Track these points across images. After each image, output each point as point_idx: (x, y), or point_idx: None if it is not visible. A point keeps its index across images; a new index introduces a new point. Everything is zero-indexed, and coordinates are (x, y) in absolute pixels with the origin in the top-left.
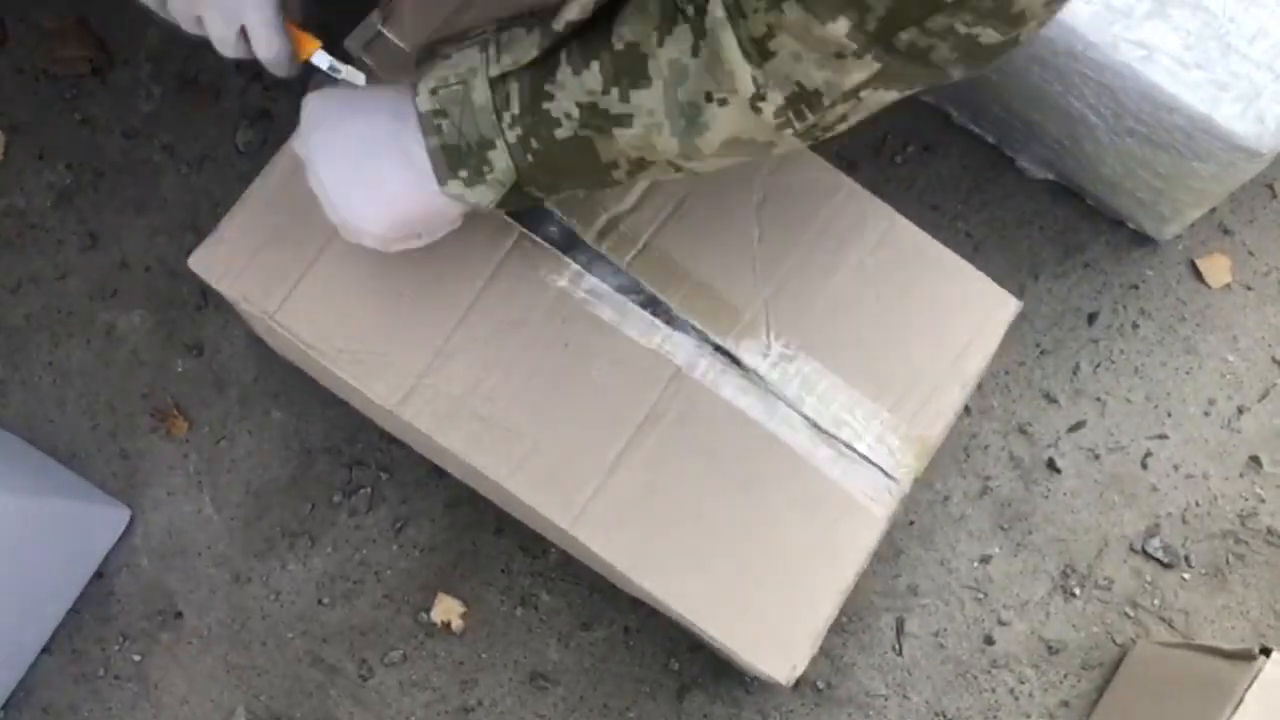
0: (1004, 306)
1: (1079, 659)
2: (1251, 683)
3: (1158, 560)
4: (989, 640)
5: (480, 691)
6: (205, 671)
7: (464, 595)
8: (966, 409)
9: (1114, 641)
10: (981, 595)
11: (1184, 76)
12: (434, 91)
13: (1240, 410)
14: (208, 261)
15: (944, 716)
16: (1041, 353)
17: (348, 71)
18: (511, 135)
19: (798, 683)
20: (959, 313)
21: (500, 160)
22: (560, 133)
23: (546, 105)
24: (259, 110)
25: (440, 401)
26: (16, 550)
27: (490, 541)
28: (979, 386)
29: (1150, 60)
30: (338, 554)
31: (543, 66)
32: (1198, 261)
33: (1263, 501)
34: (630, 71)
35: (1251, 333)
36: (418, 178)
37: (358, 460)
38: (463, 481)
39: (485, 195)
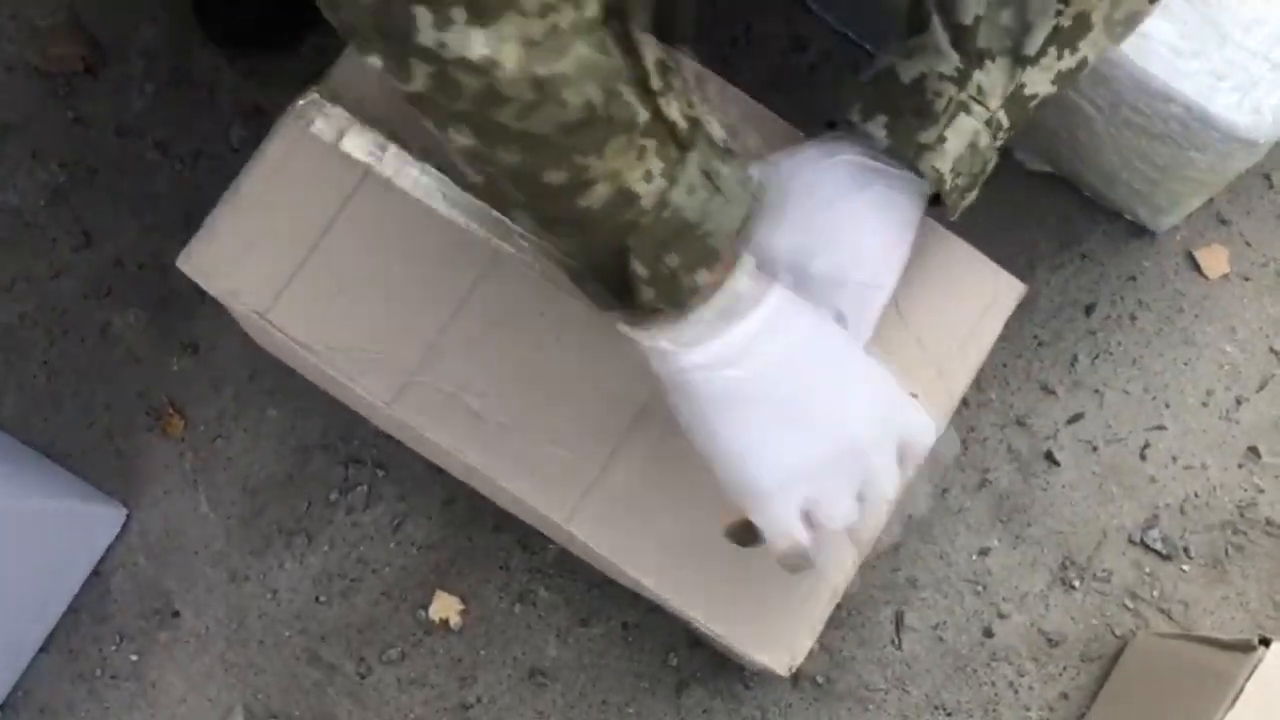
0: (1010, 290)
1: (1078, 651)
2: (1251, 673)
3: (1157, 552)
4: (988, 633)
5: (479, 688)
6: (203, 670)
7: (462, 592)
8: (965, 401)
9: (1113, 633)
10: (980, 588)
11: (1180, 66)
12: (956, 173)
13: (1239, 401)
14: (196, 261)
15: (944, 710)
16: (1039, 345)
17: None
18: (996, 142)
19: (796, 677)
20: (964, 296)
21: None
22: (1033, 104)
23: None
24: (253, 107)
25: (433, 398)
26: (12, 550)
27: (488, 538)
28: (976, 379)
29: (1146, 50)
30: (335, 552)
31: (1014, 81)
32: (1195, 252)
33: (1261, 492)
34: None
35: (1249, 323)
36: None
37: (354, 458)
38: (460, 478)
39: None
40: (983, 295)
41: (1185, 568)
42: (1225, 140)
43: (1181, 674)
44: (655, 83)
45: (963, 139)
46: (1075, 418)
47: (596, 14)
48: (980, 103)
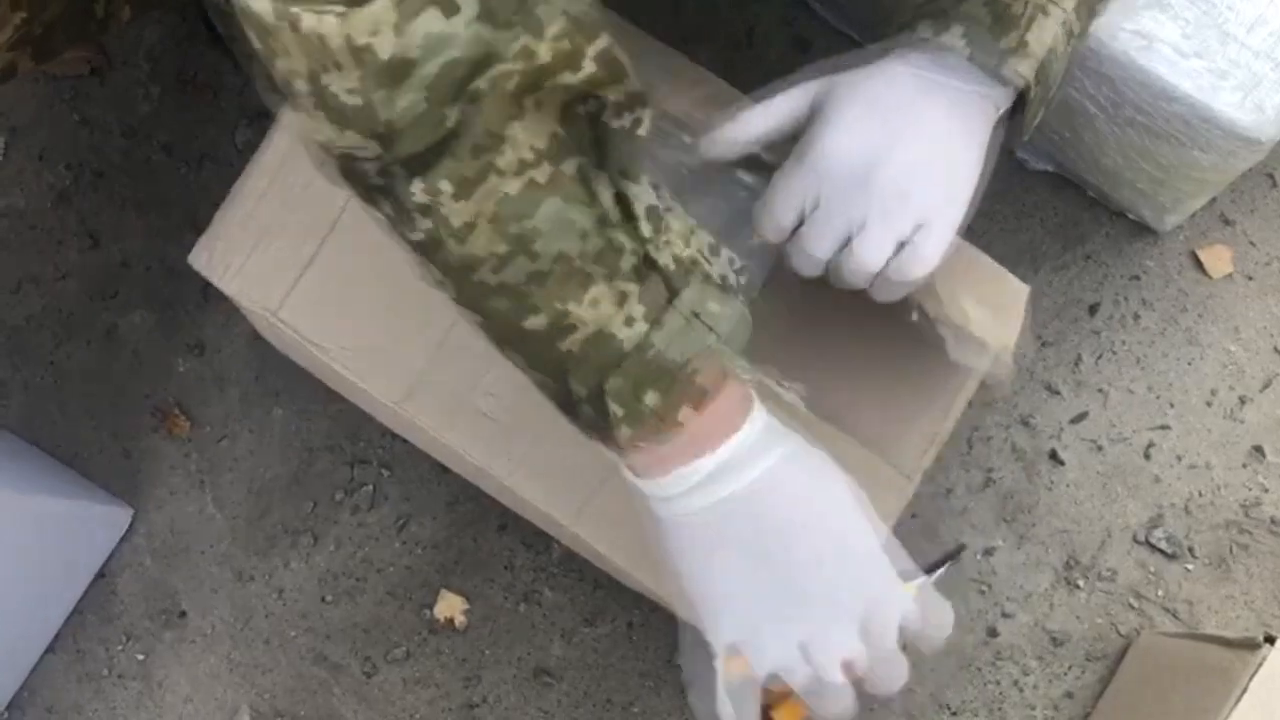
0: (1017, 295)
1: (1083, 650)
2: (1256, 672)
3: (1161, 551)
4: (993, 632)
5: (483, 688)
6: (209, 670)
7: (467, 592)
8: (969, 402)
9: (1118, 632)
10: (985, 588)
11: (1183, 65)
12: (1037, 80)
13: (1243, 400)
14: (207, 258)
15: (948, 709)
16: (1043, 344)
17: None
18: (1068, 48)
19: None
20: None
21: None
22: (1100, 6)
23: None
24: (258, 109)
25: (442, 398)
26: (19, 551)
27: (493, 538)
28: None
29: (1149, 49)
30: (340, 552)
31: None
32: (1199, 252)
33: (1266, 491)
34: None
35: (1253, 323)
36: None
37: (360, 458)
38: (465, 478)
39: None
40: (993, 300)
41: (1190, 567)
42: (1228, 139)
43: (1186, 673)
44: (644, 229)
45: (1043, 42)
46: (1079, 417)
47: (574, 172)
48: (1056, 3)
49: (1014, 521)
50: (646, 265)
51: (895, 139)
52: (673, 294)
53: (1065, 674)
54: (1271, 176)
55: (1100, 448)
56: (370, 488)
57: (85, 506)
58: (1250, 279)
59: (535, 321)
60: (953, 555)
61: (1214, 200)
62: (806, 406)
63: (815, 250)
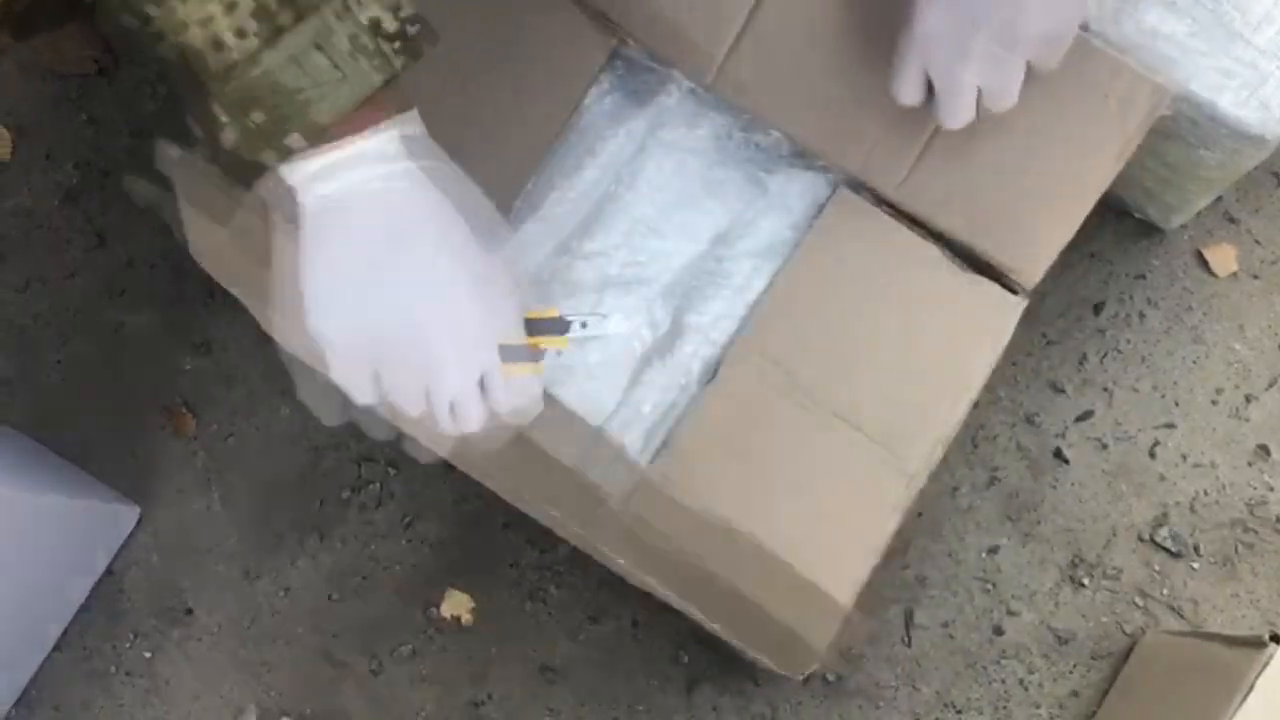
0: (1009, 309)
1: (1088, 649)
2: (1262, 670)
3: (1166, 549)
4: (998, 631)
5: (490, 685)
6: (216, 668)
7: (473, 589)
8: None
9: (1123, 631)
10: (990, 586)
11: (1189, 64)
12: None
13: (1248, 399)
14: (211, 254)
15: (954, 707)
16: (1048, 343)
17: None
18: None
19: (807, 675)
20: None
21: None
22: None
23: None
24: None
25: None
26: (27, 548)
27: (498, 536)
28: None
29: (1155, 48)
30: (347, 549)
31: None
32: (1204, 251)
33: (1271, 490)
34: None
35: (1258, 321)
36: None
37: (366, 456)
38: (470, 476)
39: None
40: (983, 315)
41: (1195, 565)
42: (1234, 138)
43: (1191, 671)
44: None
45: None
46: (1084, 416)
47: None
48: None
49: (1019, 520)
50: None
51: None
52: (298, 18)
53: (1070, 672)
54: (1277, 175)
55: (1105, 446)
56: (377, 486)
57: (92, 505)
58: (1256, 278)
59: (149, 8)
60: (557, 329)
61: (1219, 199)
62: (817, 400)
63: (954, 115)
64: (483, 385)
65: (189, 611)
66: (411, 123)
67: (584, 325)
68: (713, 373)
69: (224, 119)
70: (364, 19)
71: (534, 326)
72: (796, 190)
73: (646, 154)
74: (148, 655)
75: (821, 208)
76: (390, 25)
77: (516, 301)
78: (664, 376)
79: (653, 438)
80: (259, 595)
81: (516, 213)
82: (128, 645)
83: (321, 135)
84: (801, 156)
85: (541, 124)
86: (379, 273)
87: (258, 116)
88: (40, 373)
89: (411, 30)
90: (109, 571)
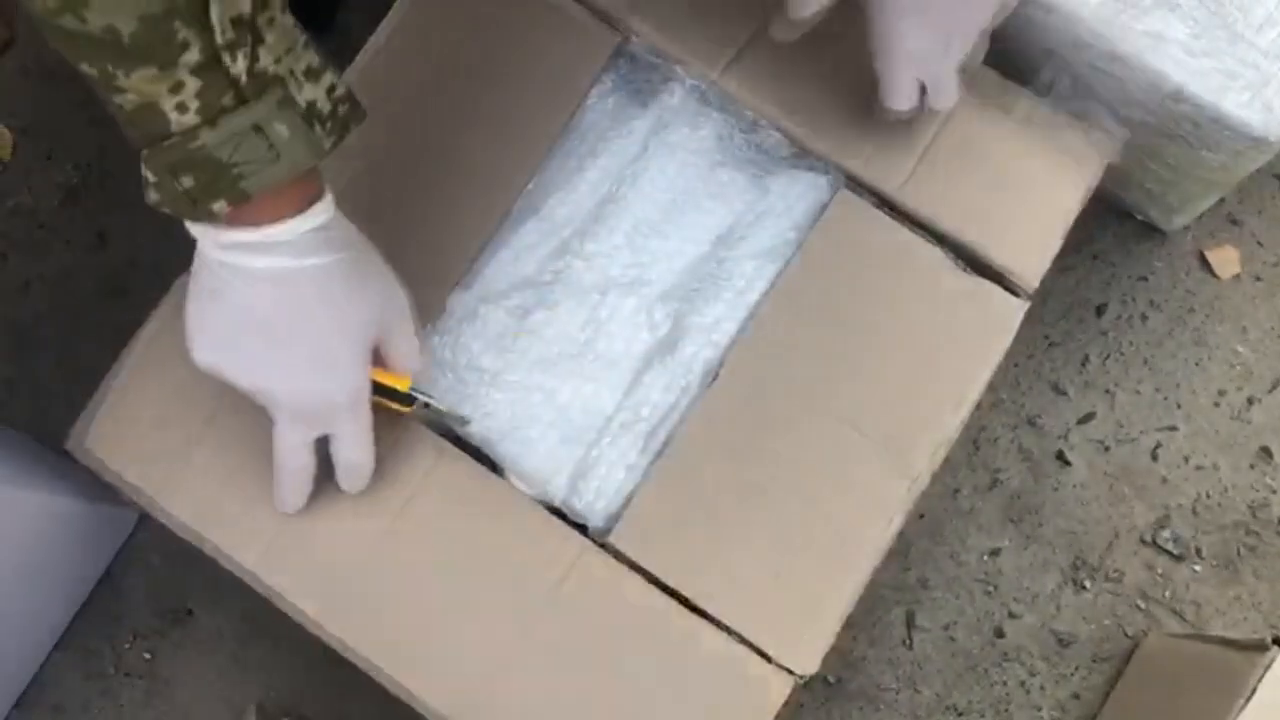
0: (1011, 311)
1: (1090, 651)
2: (1264, 674)
3: (1168, 552)
4: (999, 633)
5: None
6: (216, 668)
7: None
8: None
9: (1125, 634)
10: (991, 588)
11: (1191, 65)
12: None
13: (1250, 401)
14: (97, 440)
15: (955, 710)
16: (1050, 345)
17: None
18: None
19: (807, 678)
20: (969, 314)
21: None
22: None
23: None
24: None
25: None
26: (27, 548)
27: None
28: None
29: (1157, 49)
30: None
31: None
32: (1206, 252)
33: (1274, 492)
34: None
35: (1261, 323)
36: None
37: None
38: None
39: None
40: (984, 316)
41: (1197, 568)
42: (1237, 139)
43: (1193, 674)
44: (221, 37)
45: None
46: (1086, 418)
47: None
48: None
49: (1021, 522)
50: (211, 66)
51: None
52: (240, 102)
53: (1072, 675)
54: (1279, 177)
55: (1107, 448)
56: None
57: (93, 505)
58: (1258, 279)
59: (88, 69)
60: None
61: (1222, 201)
62: (818, 402)
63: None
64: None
65: (189, 612)
66: (325, 210)
67: (426, 406)
68: (714, 375)
69: (150, 179)
70: (303, 103)
71: (382, 389)
72: (798, 191)
73: (649, 155)
74: (148, 656)
75: (823, 209)
76: (324, 106)
77: (363, 377)
78: (665, 378)
79: (653, 440)
80: (260, 595)
81: (517, 214)
82: (127, 646)
83: (247, 202)
84: (803, 158)
85: (543, 124)
86: (258, 343)
87: (187, 181)
88: (41, 373)
89: (342, 110)
90: (109, 572)
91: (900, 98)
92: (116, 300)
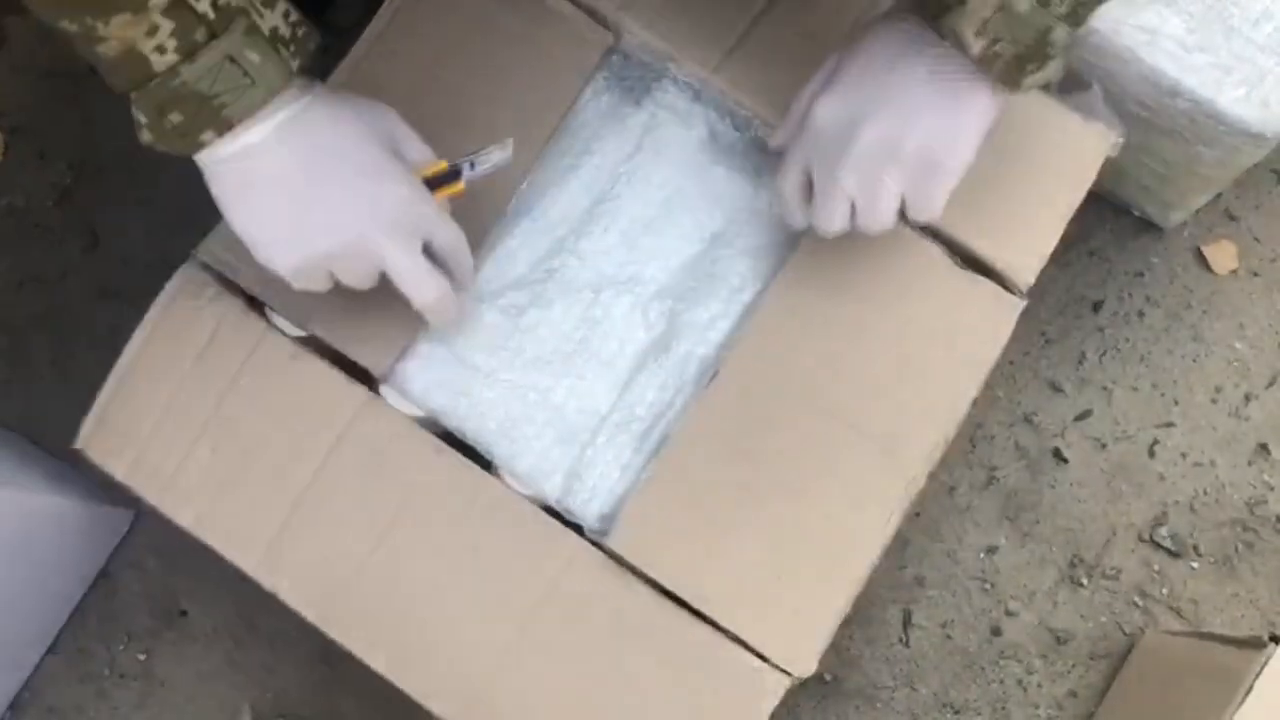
0: (1008, 308)
1: (1087, 649)
2: (1261, 671)
3: (1166, 549)
4: (996, 631)
5: None
6: (211, 669)
7: None
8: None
9: (1122, 631)
10: (988, 586)
11: (1187, 61)
12: (992, 38)
13: (1248, 398)
14: (97, 443)
15: (952, 708)
16: (1047, 342)
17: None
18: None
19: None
20: (966, 312)
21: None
22: None
23: None
24: None
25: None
26: (21, 549)
27: None
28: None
29: (1153, 44)
30: None
31: None
32: (1203, 248)
33: (1271, 489)
34: None
35: (1258, 319)
36: None
37: None
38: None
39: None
40: (983, 312)
41: (1194, 565)
42: (1233, 135)
43: (1191, 671)
44: None
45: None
46: (1083, 415)
47: None
48: None
49: (1017, 520)
50: (178, 5)
51: (879, 95)
52: (211, 35)
53: (1069, 673)
54: (1277, 172)
55: (1104, 445)
56: None
57: (87, 506)
58: (1255, 275)
59: (69, 26)
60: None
61: (1219, 196)
62: (814, 400)
63: (827, 220)
64: (427, 251)
65: (184, 613)
66: (305, 89)
67: (472, 167)
68: (709, 373)
69: (142, 120)
70: (266, 29)
71: (432, 184)
72: None
73: (642, 153)
74: (142, 657)
75: None
76: (285, 31)
77: (417, 181)
78: (659, 377)
79: (648, 439)
80: (254, 597)
81: (511, 213)
82: (122, 647)
83: (231, 128)
84: None
85: (537, 123)
86: (303, 206)
87: (175, 118)
88: (35, 373)
89: (300, 32)
90: (104, 573)
91: (782, 183)
92: (110, 300)
